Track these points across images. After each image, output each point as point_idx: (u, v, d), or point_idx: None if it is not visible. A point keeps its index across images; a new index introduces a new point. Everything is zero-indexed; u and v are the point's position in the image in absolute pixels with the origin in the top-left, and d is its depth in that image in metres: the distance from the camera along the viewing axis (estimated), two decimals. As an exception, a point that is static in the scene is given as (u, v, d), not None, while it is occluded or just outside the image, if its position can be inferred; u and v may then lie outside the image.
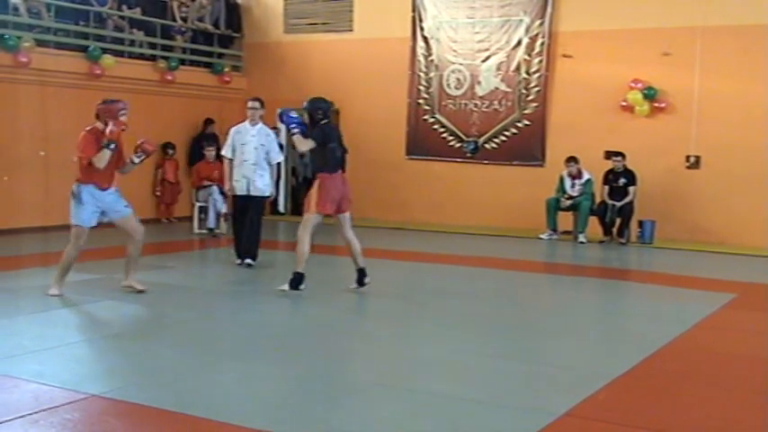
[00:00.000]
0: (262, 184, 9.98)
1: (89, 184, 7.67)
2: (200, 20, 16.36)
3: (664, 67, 13.45)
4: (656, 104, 13.57)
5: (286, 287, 8.10)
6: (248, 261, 10.04)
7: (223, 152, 10.25)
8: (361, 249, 8.39)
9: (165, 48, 15.59)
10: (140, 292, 7.98)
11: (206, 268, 10.24)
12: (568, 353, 6.59)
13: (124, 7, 15.03)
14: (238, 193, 10.02)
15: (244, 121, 10.18)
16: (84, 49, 13.77)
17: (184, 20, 16.13)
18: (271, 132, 10.34)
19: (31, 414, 4.69)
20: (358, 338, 6.93)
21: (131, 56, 14.90)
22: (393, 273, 10.58)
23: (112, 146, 7.58)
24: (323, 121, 8.13)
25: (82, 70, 13.66)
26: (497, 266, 10.79)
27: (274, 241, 12.97)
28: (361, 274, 8.39)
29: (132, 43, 15.14)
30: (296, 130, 7.98)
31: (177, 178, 15.22)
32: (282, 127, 16.77)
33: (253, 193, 9.98)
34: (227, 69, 16.46)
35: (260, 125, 10.10)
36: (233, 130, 10.20)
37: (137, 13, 15.19)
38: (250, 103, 10.15)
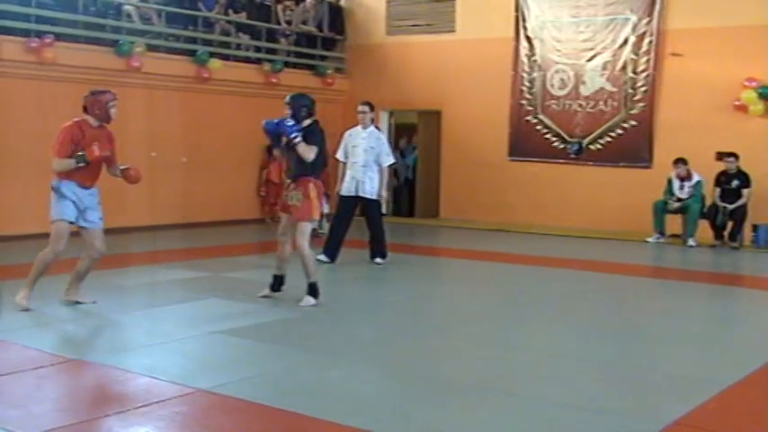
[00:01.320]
0: (370, 187, 10.15)
1: (71, 180, 7.13)
2: (304, 23, 16.57)
3: (779, 65, 12.97)
4: (772, 104, 13.10)
5: (312, 300, 7.66)
6: (379, 261, 10.31)
7: (337, 155, 10.42)
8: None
9: (269, 51, 15.85)
10: (77, 303, 7.43)
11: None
12: (677, 359, 6.38)
13: (231, 12, 15.34)
14: (345, 194, 10.19)
15: (357, 125, 10.43)
16: (192, 53, 14.12)
17: (289, 23, 16.37)
18: (382, 135, 10.50)
19: (142, 406, 4.81)
20: (459, 340, 6.87)
21: (237, 59, 15.20)
22: (495, 275, 10.49)
23: (82, 163, 7.03)
24: (308, 120, 7.63)
25: (190, 74, 14.00)
26: (602, 270, 10.57)
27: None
28: (279, 281, 8.00)
29: (238, 47, 15.45)
30: (299, 138, 7.44)
31: (282, 179, 15.39)
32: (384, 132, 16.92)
33: (361, 194, 10.15)
34: (330, 71, 16.62)
35: (371, 128, 10.33)
36: (346, 133, 10.48)
37: (243, 18, 15.49)
38: (360, 108, 10.40)
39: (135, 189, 13.26)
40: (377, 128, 10.51)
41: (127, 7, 13.59)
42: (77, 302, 7.42)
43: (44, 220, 11.97)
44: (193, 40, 14.47)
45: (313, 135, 7.55)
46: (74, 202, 7.15)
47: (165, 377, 5.38)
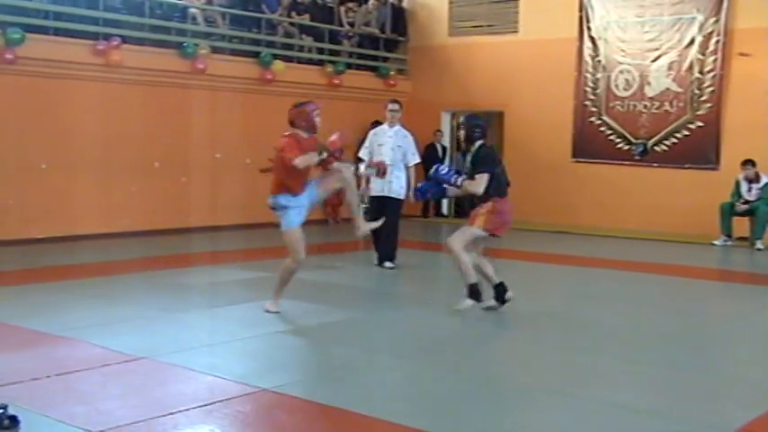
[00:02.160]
0: (398, 186, 9.95)
1: (285, 194, 7.21)
2: (367, 24, 16.62)
3: None
4: (843, 104, 12.75)
5: (469, 302, 7.43)
6: (388, 264, 10.06)
7: (360, 154, 10.28)
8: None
9: (332, 52, 15.93)
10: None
11: (371, 269, 10.36)
12: (743, 366, 6.25)
13: (294, 14, 15.46)
14: (374, 194, 10.03)
15: (382, 123, 10.26)
16: (255, 55, 14.26)
17: (351, 25, 16.44)
18: (408, 134, 10.21)
19: (206, 405, 4.87)
20: (520, 342, 6.82)
21: (300, 61, 15.31)
22: (559, 277, 10.39)
23: (325, 154, 7.10)
24: (479, 141, 7.43)
25: (253, 75, 14.14)
26: (668, 273, 10.40)
27: (434, 243, 13.01)
28: (501, 289, 7.66)
29: (301, 48, 15.56)
30: (460, 178, 7.41)
31: (342, 180, 15.45)
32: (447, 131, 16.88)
33: (388, 194, 9.95)
34: (392, 73, 16.65)
35: (397, 127, 10.10)
36: (371, 132, 10.32)
37: (306, 19, 15.59)
38: (390, 106, 10.15)
39: (197, 191, 13.59)
40: (403, 126, 10.24)
41: (192, 10, 13.78)
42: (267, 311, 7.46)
43: (107, 220, 12.35)
44: (257, 42, 14.62)
45: (484, 161, 7.36)
46: (297, 207, 7.22)
47: (229, 376, 5.44)
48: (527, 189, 15.82)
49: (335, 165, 7.37)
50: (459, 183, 7.41)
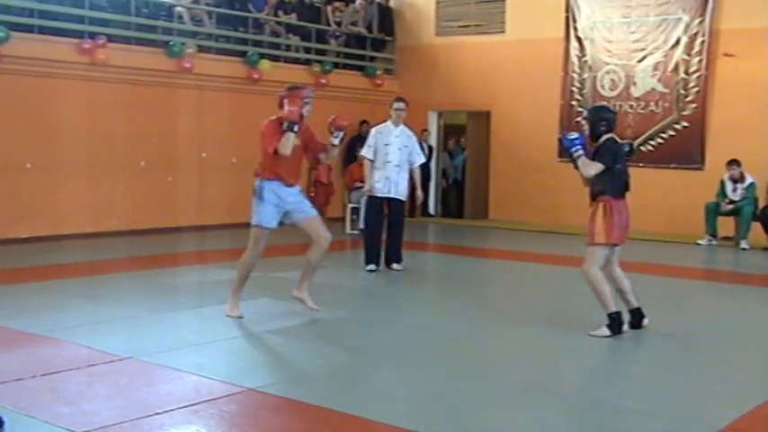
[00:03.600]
0: (403, 187, 9.78)
1: (273, 179, 7.00)
2: (354, 24, 16.62)
3: (836, 65, 12.72)
4: (827, 104, 12.84)
5: (606, 331, 6.80)
6: (396, 266, 9.96)
7: (363, 152, 10.02)
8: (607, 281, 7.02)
9: (319, 52, 15.92)
10: (312, 310, 7.29)
11: (358, 269, 10.35)
12: (729, 364, 6.29)
13: (281, 13, 15.44)
14: (379, 195, 9.78)
15: (385, 121, 9.99)
16: (242, 54, 14.24)
17: (338, 24, 16.44)
18: (413, 134, 10.05)
19: (192, 405, 4.86)
20: (507, 342, 6.84)
21: (287, 60, 15.30)
22: (546, 276, 10.42)
23: (295, 127, 6.79)
24: (606, 135, 6.98)
25: (240, 75, 14.13)
26: (654, 272, 10.44)
27: (423, 243, 13.02)
28: (638, 314, 7.08)
29: (288, 48, 15.55)
30: (580, 152, 6.88)
31: (330, 179, 15.49)
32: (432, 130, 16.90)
33: (394, 195, 9.76)
34: (379, 72, 16.66)
35: (402, 126, 9.85)
36: (374, 130, 10.00)
37: (293, 19, 15.58)
38: (396, 104, 9.87)
39: (184, 190, 13.56)
40: (407, 125, 10.03)
41: (178, 9, 13.75)
42: (302, 302, 7.30)
43: (93, 220, 12.31)
44: (243, 42, 14.60)
45: (603, 152, 6.89)
46: (276, 206, 7.01)
47: (215, 376, 5.44)
48: (513, 188, 15.92)
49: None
50: (575, 154, 6.89)
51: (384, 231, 10.04)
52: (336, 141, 7.35)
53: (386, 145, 9.74)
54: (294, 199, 7.10)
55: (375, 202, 9.92)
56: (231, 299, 7.26)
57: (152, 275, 9.29)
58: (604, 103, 7.17)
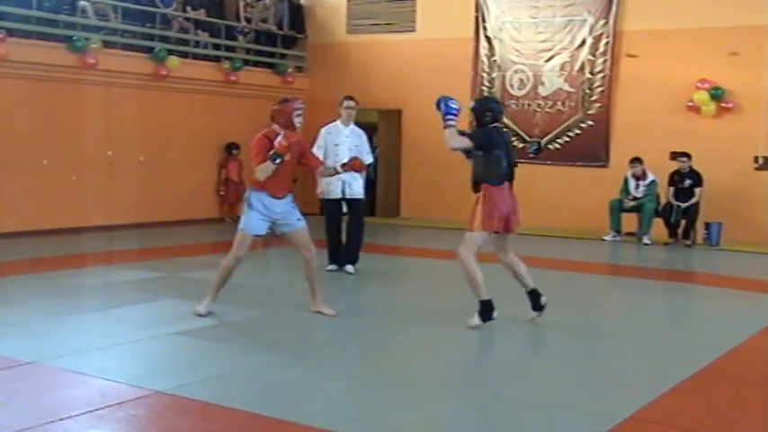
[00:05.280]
0: (357, 187, 9.57)
1: (261, 191, 7.06)
2: (264, 21, 16.50)
3: (731, 67, 13.16)
4: (723, 105, 13.29)
5: (477, 320, 6.90)
6: (350, 269, 9.66)
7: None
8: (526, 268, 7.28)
9: (228, 48, 15.75)
10: (331, 316, 7.31)
11: (268, 268, 10.30)
12: (632, 356, 6.47)
13: (189, 9, 15.22)
14: (332, 197, 9.57)
15: (333, 121, 9.76)
16: (149, 50, 13.99)
17: (248, 20, 16.29)
18: (362, 133, 9.80)
19: (97, 410, 4.76)
20: (419, 340, 6.90)
21: (196, 57, 15.09)
22: (455, 274, 10.50)
23: (278, 160, 6.86)
24: (491, 125, 7.06)
25: (147, 71, 13.87)
26: (560, 268, 10.67)
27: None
28: (534, 295, 7.20)
29: (197, 44, 15.34)
30: (451, 122, 6.84)
31: (241, 178, 15.36)
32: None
33: (348, 196, 9.56)
34: (290, 70, 16.56)
35: (352, 125, 9.66)
36: (324, 130, 9.70)
37: (201, 15, 15.37)
38: (346, 103, 9.67)
39: (92, 188, 13.25)
40: (357, 125, 9.81)
41: (82, 3, 13.40)
42: (320, 313, 7.34)
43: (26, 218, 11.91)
44: (151, 37, 14.34)
45: (477, 133, 6.98)
46: (263, 214, 7.07)
47: (121, 379, 5.34)
48: (425, 186, 16.03)
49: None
50: (447, 122, 6.87)
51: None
52: (342, 171, 7.68)
53: (336, 145, 9.50)
54: (282, 210, 7.13)
55: (331, 205, 9.69)
56: (208, 297, 7.26)
57: (55, 277, 9.05)
58: (491, 95, 7.19)
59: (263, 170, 6.91)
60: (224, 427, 4.68)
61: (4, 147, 12.07)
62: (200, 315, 7.14)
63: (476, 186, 7.07)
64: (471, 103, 7.26)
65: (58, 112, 12.75)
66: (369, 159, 9.56)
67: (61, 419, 4.58)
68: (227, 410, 4.83)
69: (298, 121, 7.12)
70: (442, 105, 6.94)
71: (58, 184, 12.79)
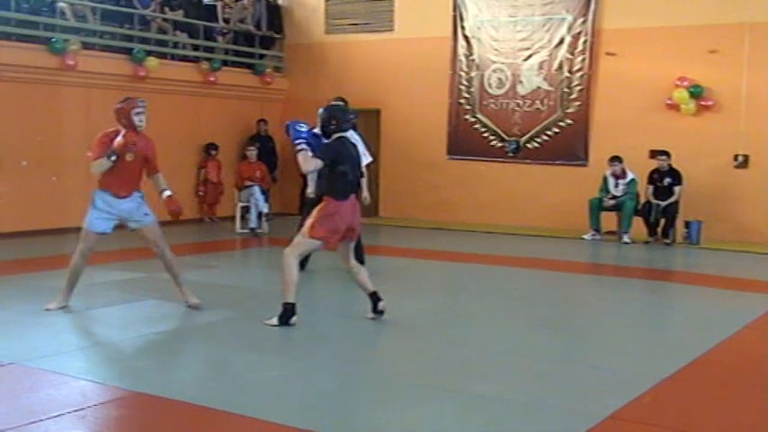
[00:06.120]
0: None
1: (104, 190, 7.21)
2: (242, 21, 16.46)
3: (710, 65, 13.24)
4: (703, 103, 13.36)
5: (275, 321, 6.89)
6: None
7: (310, 157, 9.53)
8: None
9: (207, 49, 15.71)
10: (193, 305, 7.47)
11: (248, 268, 10.30)
12: (612, 355, 6.49)
13: (167, 10, 15.17)
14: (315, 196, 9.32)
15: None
16: (128, 51, 13.93)
17: (227, 21, 16.25)
18: (360, 134, 9.63)
19: (78, 410, 4.74)
20: (398, 339, 6.91)
21: (174, 57, 15.04)
22: (433, 273, 10.55)
23: (113, 158, 7.02)
24: (337, 135, 7.00)
25: (126, 72, 13.81)
26: (540, 267, 10.71)
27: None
28: (375, 297, 7.22)
29: (176, 45, 15.29)
30: (301, 146, 6.85)
31: (220, 178, 15.33)
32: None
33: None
34: (268, 70, 16.54)
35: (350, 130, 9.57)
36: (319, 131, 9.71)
37: (180, 16, 15.32)
38: (338, 104, 9.27)
39: (72, 189, 13.17)
40: (355, 128, 9.40)
41: (61, 4, 13.33)
42: (188, 305, 7.48)
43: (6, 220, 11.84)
44: (129, 39, 14.28)
45: (325, 149, 6.89)
46: (107, 212, 7.21)
47: (102, 380, 5.32)
48: (403, 186, 16.06)
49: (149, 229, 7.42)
50: (298, 147, 6.85)
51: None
52: (162, 184, 7.49)
53: None
54: (127, 207, 7.26)
55: (314, 204, 9.59)
56: (60, 294, 7.40)
57: (37, 278, 9.00)
58: (339, 103, 7.19)
59: (98, 166, 7.09)
60: (204, 428, 4.67)
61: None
62: (48, 310, 7.23)
63: (320, 200, 7.12)
64: (319, 111, 7.23)
65: (38, 113, 12.68)
66: (367, 160, 9.51)
67: (42, 420, 4.55)
68: (208, 411, 4.82)
69: (138, 119, 7.17)
70: (291, 130, 6.95)
71: (38, 185, 12.71)
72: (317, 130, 7.17)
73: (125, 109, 7.19)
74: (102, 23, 13.96)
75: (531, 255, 11.76)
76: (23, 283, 8.76)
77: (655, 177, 13.13)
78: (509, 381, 5.63)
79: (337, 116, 7.06)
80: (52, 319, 7.11)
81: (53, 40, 12.66)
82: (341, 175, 6.89)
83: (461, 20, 15.32)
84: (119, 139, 7.05)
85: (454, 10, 15.36)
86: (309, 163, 6.86)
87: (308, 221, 6.95)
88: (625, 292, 9.48)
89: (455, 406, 5.04)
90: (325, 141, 7.03)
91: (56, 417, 4.62)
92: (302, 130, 6.94)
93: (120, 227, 7.51)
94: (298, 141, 6.87)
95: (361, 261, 9.41)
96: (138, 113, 7.16)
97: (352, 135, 9.41)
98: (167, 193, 7.42)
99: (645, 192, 13.25)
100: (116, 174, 7.11)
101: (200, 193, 15.35)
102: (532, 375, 5.81)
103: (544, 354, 6.42)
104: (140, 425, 4.69)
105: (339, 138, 7.01)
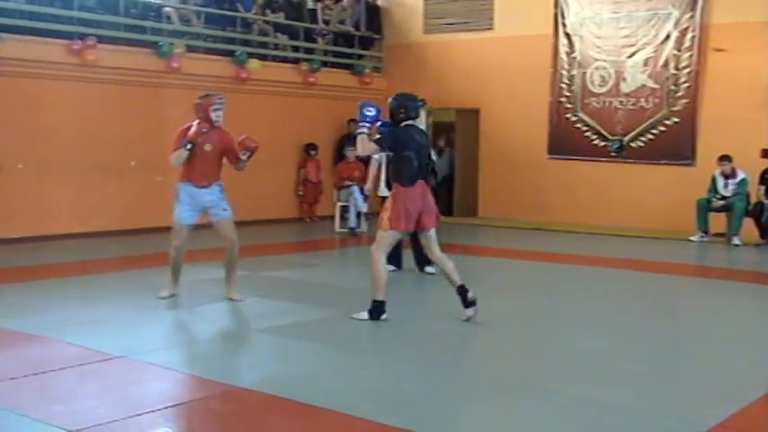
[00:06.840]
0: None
1: (186, 182, 7.51)
2: (342, 22, 16.58)
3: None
4: (818, 99, 12.84)
5: (365, 315, 6.99)
6: (429, 269, 9.40)
7: (375, 156, 9.61)
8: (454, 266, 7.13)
9: (307, 50, 15.88)
10: (236, 300, 7.69)
11: (347, 267, 10.32)
12: (722, 361, 6.25)
13: (268, 12, 15.40)
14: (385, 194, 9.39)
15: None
16: (230, 53, 14.18)
17: (326, 22, 16.40)
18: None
19: (182, 403, 4.85)
20: (498, 340, 6.81)
21: (275, 59, 15.25)
22: (537, 274, 10.39)
23: (189, 146, 7.35)
24: (405, 123, 7.00)
25: (229, 74, 14.06)
26: (645, 269, 10.43)
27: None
28: (462, 290, 7.07)
29: (276, 47, 15.50)
30: (362, 130, 6.92)
31: (319, 178, 15.46)
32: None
33: None
34: (367, 70, 16.62)
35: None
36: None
37: (280, 18, 15.53)
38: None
39: (173, 189, 13.41)
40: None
41: (167, 9, 13.69)
42: (231, 299, 7.72)
43: (82, 220, 12.22)
44: (232, 41, 14.54)
45: (387, 135, 6.94)
46: (190, 205, 7.50)
47: (209, 375, 5.40)
48: (503, 186, 15.91)
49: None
50: (359, 130, 6.97)
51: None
52: (244, 158, 7.69)
53: None
54: (209, 199, 7.52)
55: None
56: (170, 283, 7.80)
57: (142, 275, 9.23)
58: (409, 93, 7.11)
59: (177, 157, 7.40)
60: (306, 424, 4.67)
61: (94, 149, 12.44)
62: (162, 298, 7.63)
63: (390, 186, 7.22)
64: (389, 100, 7.18)
65: (145, 115, 13.02)
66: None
67: (150, 412, 4.63)
68: (310, 408, 4.82)
69: (215, 115, 7.47)
70: (360, 114, 7.00)
71: (144, 184, 13.05)
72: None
73: (203, 105, 7.53)
74: (205, 27, 14.26)
75: (635, 257, 11.47)
76: (131, 279, 8.99)
77: (767, 177, 12.65)
78: (612, 385, 5.46)
79: (406, 105, 7.07)
80: (157, 315, 7.27)
81: (159, 43, 12.99)
82: (406, 161, 6.91)
83: (563, 17, 15.08)
84: (194, 129, 7.41)
85: (555, 7, 15.14)
86: (365, 146, 7.00)
87: (381, 215, 7.04)
88: (734, 296, 9.14)
89: (555, 408, 4.92)
90: (396, 128, 7.05)
91: (162, 409, 4.71)
92: (369, 114, 6.97)
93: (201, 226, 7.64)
94: (361, 124, 6.96)
95: (426, 261, 9.35)
96: (215, 110, 7.49)
97: (420, 123, 9.48)
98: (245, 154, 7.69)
99: (756, 192, 12.79)
100: (196, 164, 7.41)
101: (301, 193, 15.52)
102: (636, 379, 5.62)
103: (648, 358, 6.23)
104: (242, 419, 4.73)
105: (407, 125, 7.03)
